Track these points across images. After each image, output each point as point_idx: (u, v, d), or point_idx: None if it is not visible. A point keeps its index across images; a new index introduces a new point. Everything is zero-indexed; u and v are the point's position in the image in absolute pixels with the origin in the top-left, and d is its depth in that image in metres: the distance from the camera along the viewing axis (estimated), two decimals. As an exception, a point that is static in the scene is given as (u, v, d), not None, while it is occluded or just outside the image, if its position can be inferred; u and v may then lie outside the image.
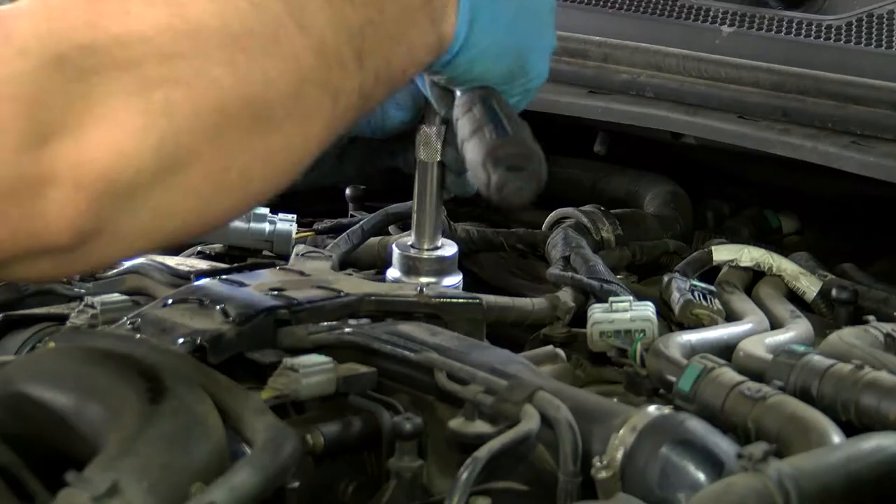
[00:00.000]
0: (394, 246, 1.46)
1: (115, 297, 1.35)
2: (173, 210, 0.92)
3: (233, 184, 0.94)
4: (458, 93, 1.23)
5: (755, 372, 1.16)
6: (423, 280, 1.43)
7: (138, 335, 1.21)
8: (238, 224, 1.60)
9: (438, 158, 1.41)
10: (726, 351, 1.25)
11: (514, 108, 1.22)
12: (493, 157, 1.11)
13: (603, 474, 1.02)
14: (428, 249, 1.44)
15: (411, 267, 1.44)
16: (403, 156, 1.44)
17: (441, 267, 1.44)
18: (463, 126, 1.19)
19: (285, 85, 0.94)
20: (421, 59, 1.10)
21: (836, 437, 1.02)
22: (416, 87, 1.35)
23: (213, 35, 0.91)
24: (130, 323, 1.23)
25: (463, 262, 1.57)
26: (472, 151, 1.15)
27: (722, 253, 1.54)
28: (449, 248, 1.45)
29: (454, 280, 1.45)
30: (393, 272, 1.45)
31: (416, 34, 1.07)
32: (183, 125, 0.89)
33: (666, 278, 1.48)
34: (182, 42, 0.90)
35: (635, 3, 1.77)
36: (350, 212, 1.83)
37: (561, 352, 1.32)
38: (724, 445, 1.02)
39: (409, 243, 1.45)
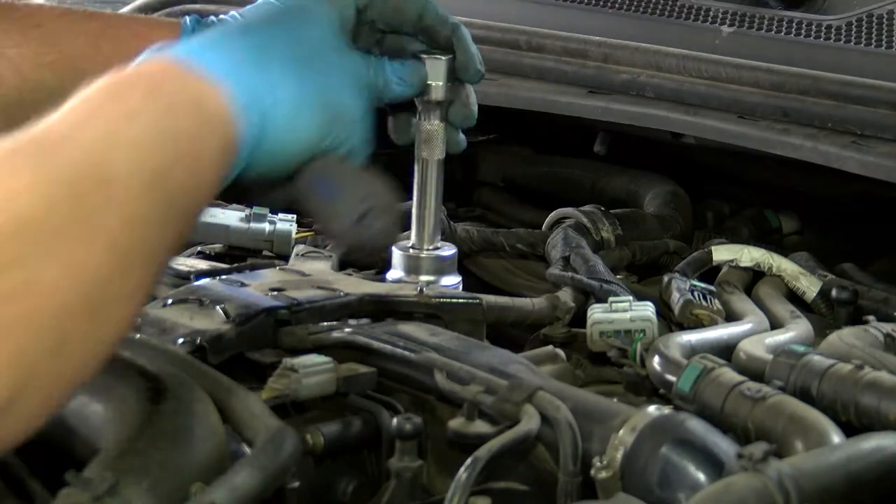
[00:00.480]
0: (394, 247, 1.46)
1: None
2: (10, 435, 0.86)
3: (71, 379, 0.89)
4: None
5: (755, 372, 1.16)
6: (424, 278, 1.43)
7: (138, 335, 1.21)
8: (238, 224, 1.60)
9: (439, 156, 1.41)
10: (726, 351, 1.25)
11: (353, 149, 1.16)
12: (342, 222, 1.10)
13: (603, 474, 1.02)
14: (428, 249, 1.44)
15: (412, 267, 1.44)
16: (394, 121, 1.42)
17: (441, 266, 1.44)
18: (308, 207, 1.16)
19: (114, 265, 0.89)
20: (219, 169, 1.02)
21: (836, 437, 1.02)
22: (420, 62, 1.34)
23: (42, 230, 0.84)
24: (130, 323, 1.23)
25: (463, 262, 1.57)
26: (327, 227, 1.15)
27: (722, 253, 1.54)
28: (448, 249, 1.45)
29: (454, 280, 1.45)
30: (394, 273, 1.45)
31: (207, 148, 0.99)
32: (23, 347, 0.83)
33: (666, 278, 1.48)
34: (13, 245, 0.83)
35: (635, 3, 1.77)
36: (350, 212, 1.83)
37: (561, 352, 1.32)
38: (724, 445, 1.02)
39: (409, 244, 1.45)
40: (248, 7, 1.17)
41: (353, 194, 1.11)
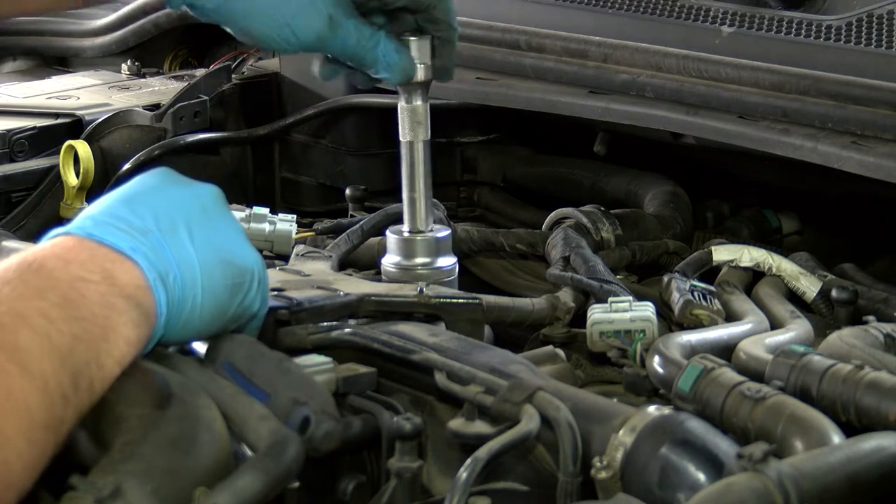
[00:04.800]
0: (388, 231, 1.46)
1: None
2: None
3: None
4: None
5: (755, 372, 1.16)
6: (419, 261, 1.42)
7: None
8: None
9: (424, 137, 1.41)
10: (726, 351, 1.25)
11: (259, 308, 1.18)
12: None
13: (603, 474, 1.02)
14: (422, 231, 1.44)
15: (407, 251, 1.44)
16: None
17: (436, 248, 1.44)
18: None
19: (21, 441, 0.92)
20: (133, 344, 1.05)
21: (836, 437, 1.02)
22: (411, 59, 1.36)
23: None
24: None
25: (463, 262, 1.57)
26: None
27: (722, 253, 1.54)
28: (442, 230, 1.45)
29: (450, 261, 1.45)
30: (389, 258, 1.45)
31: (121, 323, 1.03)
32: None
33: (666, 278, 1.48)
34: None
35: (635, 3, 1.77)
36: (350, 212, 1.83)
37: (561, 352, 1.32)
38: (724, 445, 1.02)
39: (403, 228, 1.45)
40: (132, 181, 1.15)
41: (283, 396, 1.09)
